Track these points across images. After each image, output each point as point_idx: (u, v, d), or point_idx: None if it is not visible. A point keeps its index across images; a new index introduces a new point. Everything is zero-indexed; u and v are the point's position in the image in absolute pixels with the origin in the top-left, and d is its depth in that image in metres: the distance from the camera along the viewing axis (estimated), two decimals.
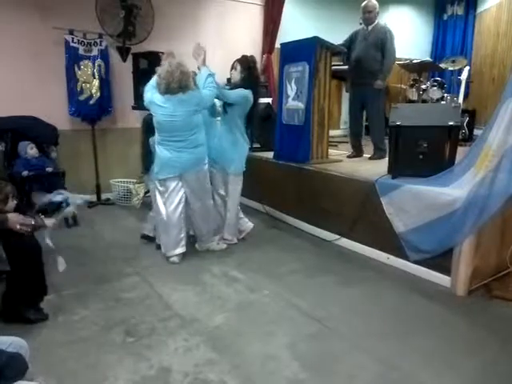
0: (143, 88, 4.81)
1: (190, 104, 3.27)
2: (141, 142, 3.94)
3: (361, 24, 4.66)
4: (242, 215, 4.01)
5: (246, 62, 3.66)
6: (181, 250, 3.50)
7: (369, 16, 4.57)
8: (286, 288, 3.07)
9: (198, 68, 3.45)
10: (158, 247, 3.70)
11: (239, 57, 3.72)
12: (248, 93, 3.58)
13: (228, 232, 3.86)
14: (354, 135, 4.99)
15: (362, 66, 4.59)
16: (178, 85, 3.21)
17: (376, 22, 4.61)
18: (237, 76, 3.66)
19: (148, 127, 3.80)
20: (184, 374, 2.14)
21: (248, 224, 4.04)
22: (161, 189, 3.47)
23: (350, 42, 4.71)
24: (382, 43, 4.51)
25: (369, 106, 4.72)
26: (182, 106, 3.24)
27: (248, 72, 3.64)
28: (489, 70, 7.67)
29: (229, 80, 5.00)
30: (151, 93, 3.35)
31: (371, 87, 4.52)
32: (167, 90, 3.23)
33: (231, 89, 3.64)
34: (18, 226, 2.40)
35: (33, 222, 2.50)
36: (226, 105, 3.63)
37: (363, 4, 4.63)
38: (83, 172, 5.20)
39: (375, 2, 4.60)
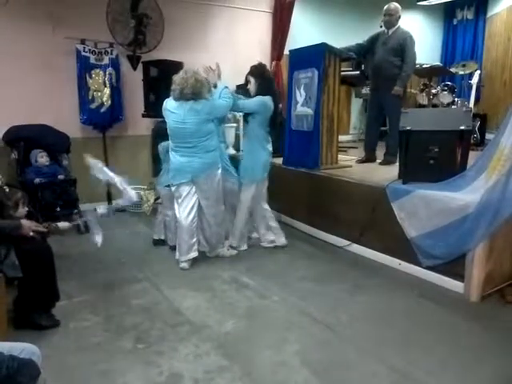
0: (153, 96, 4.91)
1: (201, 113, 3.30)
2: (151, 149, 4.00)
3: (381, 27, 4.60)
4: (274, 223, 3.94)
5: (256, 71, 3.68)
6: (193, 254, 3.52)
7: (389, 19, 4.52)
8: (296, 294, 3.06)
9: (214, 86, 3.49)
10: (173, 248, 3.73)
11: (249, 70, 3.74)
12: (267, 99, 3.58)
13: (233, 238, 3.85)
14: (370, 140, 4.95)
15: (381, 71, 4.56)
16: (192, 91, 3.25)
17: (397, 26, 4.55)
18: (253, 88, 3.66)
19: (157, 134, 3.86)
20: (194, 381, 2.13)
21: (281, 239, 3.96)
22: (176, 194, 3.50)
23: (371, 43, 4.66)
24: (401, 48, 4.46)
25: (387, 111, 4.68)
26: (193, 114, 3.28)
27: (262, 79, 3.64)
28: (500, 74, 7.60)
29: (238, 86, 5.03)
30: (166, 100, 3.42)
31: (390, 92, 4.48)
32: (180, 95, 3.28)
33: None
34: (32, 233, 2.44)
35: (46, 230, 2.55)
36: (247, 115, 3.66)
37: (385, 7, 4.57)
38: (94, 180, 5.23)
39: (397, 5, 4.54)
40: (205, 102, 3.33)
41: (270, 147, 3.80)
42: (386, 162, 4.60)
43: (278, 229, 3.97)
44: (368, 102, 5.03)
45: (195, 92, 3.27)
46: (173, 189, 3.51)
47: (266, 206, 3.90)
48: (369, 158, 4.85)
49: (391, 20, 4.52)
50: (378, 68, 4.61)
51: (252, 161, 3.71)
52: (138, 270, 3.50)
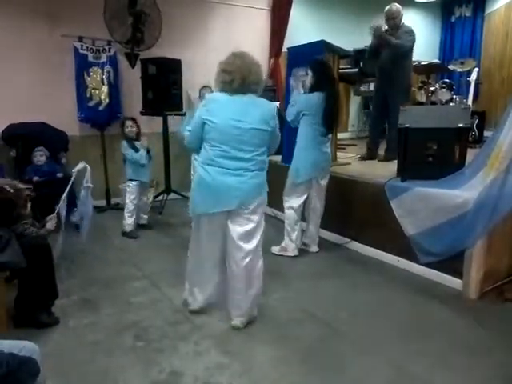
0: (152, 94, 4.90)
1: (265, 113, 2.45)
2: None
3: (387, 32, 4.61)
4: (291, 229, 3.72)
5: (314, 66, 3.54)
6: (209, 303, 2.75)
7: (394, 22, 4.60)
8: (295, 292, 3.07)
9: None
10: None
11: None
12: (311, 96, 3.48)
13: (304, 237, 3.85)
14: (374, 139, 5.02)
15: (387, 70, 4.61)
16: (257, 80, 2.44)
17: (402, 24, 4.62)
18: (308, 81, 3.55)
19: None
20: (195, 378, 2.13)
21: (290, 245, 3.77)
22: (201, 227, 2.54)
23: (378, 45, 4.68)
24: None
25: (391, 109, 4.65)
26: (255, 110, 2.42)
27: (317, 75, 3.50)
28: (498, 71, 7.61)
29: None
30: (208, 95, 2.61)
31: (396, 91, 4.55)
32: (242, 86, 2.39)
33: (309, 93, 3.56)
34: None
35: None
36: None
37: (386, 10, 4.62)
38: (92, 177, 5.20)
39: (398, 7, 4.60)
40: (269, 102, 2.57)
41: (325, 148, 3.61)
42: (387, 158, 4.64)
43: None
44: (373, 101, 5.15)
45: (260, 82, 2.47)
46: (198, 219, 2.55)
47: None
48: (371, 155, 4.91)
49: (396, 23, 4.60)
50: (384, 68, 4.66)
51: (297, 161, 3.60)
52: (137, 267, 3.50)
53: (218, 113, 2.39)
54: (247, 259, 2.52)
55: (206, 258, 2.61)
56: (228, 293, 2.63)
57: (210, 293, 2.72)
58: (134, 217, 4.28)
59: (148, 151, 4.26)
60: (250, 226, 2.50)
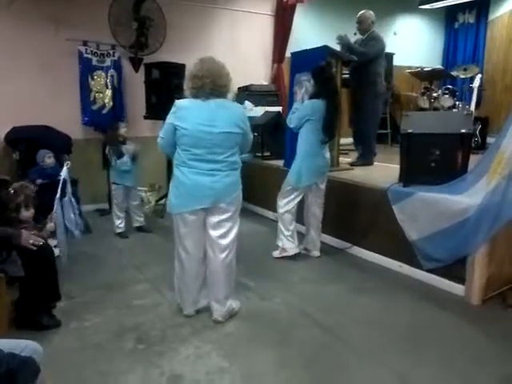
0: (155, 98, 4.93)
1: (236, 115, 2.57)
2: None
3: (355, 34, 4.82)
4: (285, 229, 3.71)
5: (314, 73, 3.57)
6: (202, 303, 2.82)
7: (360, 27, 4.79)
8: (297, 296, 3.06)
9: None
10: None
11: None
12: (312, 103, 3.51)
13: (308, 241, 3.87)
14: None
15: (358, 74, 4.76)
16: (226, 83, 2.53)
17: (371, 31, 4.74)
18: (310, 89, 3.57)
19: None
20: (195, 382, 2.13)
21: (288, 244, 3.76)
22: (179, 226, 2.63)
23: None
24: None
25: (361, 112, 4.88)
26: (225, 113, 2.52)
27: (317, 82, 3.54)
28: (501, 78, 7.61)
29: (239, 89, 5.00)
30: (178, 101, 2.58)
31: (364, 96, 4.74)
32: (212, 90, 2.48)
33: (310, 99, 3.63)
34: (30, 245, 2.40)
35: (41, 243, 2.47)
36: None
37: (358, 14, 4.82)
38: (96, 180, 5.24)
39: (365, 14, 4.76)
40: (239, 105, 2.71)
41: (326, 153, 3.63)
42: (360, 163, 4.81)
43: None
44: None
45: (228, 85, 2.55)
46: (176, 218, 2.64)
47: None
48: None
49: (361, 27, 4.78)
50: (356, 72, 4.79)
51: (300, 166, 3.58)
52: (139, 270, 3.51)
53: (187, 119, 2.47)
54: (224, 254, 2.65)
55: (190, 258, 2.68)
56: (209, 289, 2.75)
57: (197, 298, 2.78)
58: (122, 219, 4.43)
59: (133, 155, 4.34)
60: (227, 222, 2.62)
